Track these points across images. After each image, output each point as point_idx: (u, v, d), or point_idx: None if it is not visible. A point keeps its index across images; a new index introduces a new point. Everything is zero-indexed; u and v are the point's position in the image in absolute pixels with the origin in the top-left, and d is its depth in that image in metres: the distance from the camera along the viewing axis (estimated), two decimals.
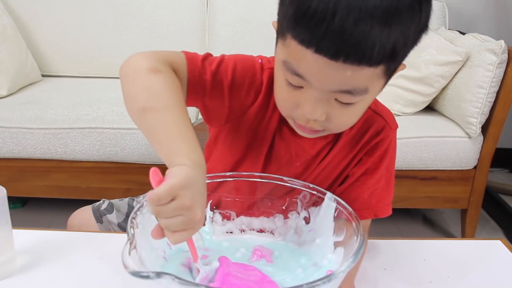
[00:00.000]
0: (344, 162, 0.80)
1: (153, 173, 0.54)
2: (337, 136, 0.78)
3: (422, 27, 0.60)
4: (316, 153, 0.79)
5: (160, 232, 0.55)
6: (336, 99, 0.63)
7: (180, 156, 0.56)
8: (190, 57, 0.72)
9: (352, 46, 0.55)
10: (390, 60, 0.59)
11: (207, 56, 0.74)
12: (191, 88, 0.72)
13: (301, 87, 0.63)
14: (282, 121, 0.77)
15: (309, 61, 0.58)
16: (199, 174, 0.56)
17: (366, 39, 0.54)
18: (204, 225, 0.72)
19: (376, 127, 0.79)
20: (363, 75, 0.58)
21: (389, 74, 0.63)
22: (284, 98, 0.68)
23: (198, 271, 0.61)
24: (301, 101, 0.64)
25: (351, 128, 0.76)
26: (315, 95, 0.62)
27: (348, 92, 0.61)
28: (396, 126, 0.81)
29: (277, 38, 0.66)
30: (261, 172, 0.79)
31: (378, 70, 0.59)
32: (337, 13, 0.53)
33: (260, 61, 0.76)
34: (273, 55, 0.71)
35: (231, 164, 0.82)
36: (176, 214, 0.53)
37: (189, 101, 0.74)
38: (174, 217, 0.53)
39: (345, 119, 0.67)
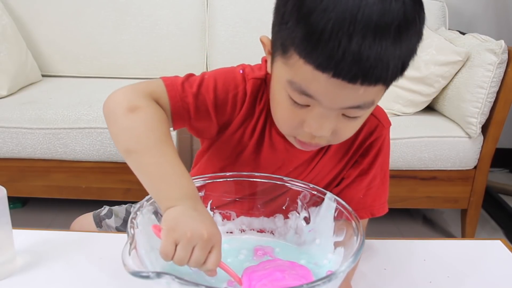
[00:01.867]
0: (340, 165, 0.80)
1: (154, 229, 0.58)
2: None
3: (420, 37, 0.60)
4: (308, 158, 0.79)
5: (209, 273, 0.58)
6: (343, 114, 0.63)
7: (164, 201, 0.59)
8: (170, 83, 0.71)
9: (369, 69, 0.55)
10: (400, 75, 0.60)
11: (187, 78, 0.73)
12: (175, 113, 0.72)
13: (307, 106, 0.62)
14: (270, 129, 0.76)
15: (323, 83, 0.57)
16: (184, 205, 0.58)
17: (382, 61, 0.55)
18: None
19: (369, 127, 0.78)
20: (374, 91, 0.59)
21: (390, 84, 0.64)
22: (288, 118, 0.66)
23: None
24: (307, 119, 0.63)
25: None
26: (323, 113, 0.61)
27: (357, 107, 0.61)
28: (389, 124, 0.81)
29: (273, 55, 0.65)
30: None
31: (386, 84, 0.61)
32: (353, 37, 0.53)
33: (241, 71, 0.75)
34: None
35: (215, 170, 0.81)
36: (190, 250, 0.55)
37: (176, 125, 0.74)
38: (191, 253, 0.55)
39: (349, 131, 0.68)
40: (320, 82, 0.57)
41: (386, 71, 0.56)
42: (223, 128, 0.77)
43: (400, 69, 0.58)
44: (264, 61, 0.75)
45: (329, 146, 0.79)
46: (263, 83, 0.75)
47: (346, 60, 0.54)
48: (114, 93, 0.68)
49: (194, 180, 0.70)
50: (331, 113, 0.62)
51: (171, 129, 0.73)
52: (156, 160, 0.62)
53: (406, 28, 0.56)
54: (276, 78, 0.65)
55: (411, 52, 0.59)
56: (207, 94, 0.72)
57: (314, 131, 0.63)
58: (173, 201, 0.59)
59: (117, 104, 0.66)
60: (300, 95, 0.61)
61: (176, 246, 0.55)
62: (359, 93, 0.58)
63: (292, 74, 0.60)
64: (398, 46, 0.55)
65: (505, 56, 1.73)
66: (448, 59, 1.85)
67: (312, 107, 0.62)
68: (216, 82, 0.73)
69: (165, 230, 0.55)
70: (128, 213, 1.06)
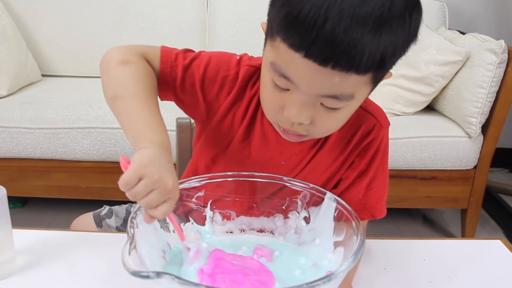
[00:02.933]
0: (336, 164, 0.80)
1: (122, 160, 0.58)
2: (326, 136, 0.78)
3: (411, 37, 0.60)
4: (300, 151, 0.79)
5: (148, 216, 0.58)
6: (321, 104, 0.63)
7: (142, 141, 0.60)
8: (165, 51, 0.75)
9: (341, 53, 0.55)
10: (378, 68, 0.59)
11: (185, 51, 0.76)
12: (162, 80, 0.74)
13: (288, 90, 0.63)
14: (261, 118, 0.77)
15: (298, 64, 0.58)
16: (160, 151, 0.59)
17: (355, 47, 0.54)
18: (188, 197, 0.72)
19: (366, 126, 0.78)
20: (351, 81, 0.59)
21: (376, 81, 0.63)
22: (269, 101, 0.68)
23: (188, 249, 0.61)
24: (286, 104, 0.64)
25: (341, 127, 0.76)
26: (301, 98, 0.62)
27: (334, 97, 0.61)
28: (388, 124, 0.80)
29: (266, 39, 0.66)
30: (240, 169, 0.79)
31: (366, 78, 0.60)
32: (328, 19, 0.53)
33: (238, 57, 0.77)
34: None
35: (207, 159, 0.82)
36: (149, 190, 0.55)
37: (162, 94, 0.76)
38: (149, 193, 0.55)
39: (330, 124, 0.67)
40: (295, 63, 0.58)
41: (360, 59, 0.55)
42: (212, 111, 0.78)
43: (377, 62, 0.57)
44: None
45: (323, 143, 0.78)
46: (257, 71, 0.76)
47: (318, 41, 0.54)
48: (111, 49, 0.72)
49: (193, 180, 0.70)
50: (309, 99, 0.62)
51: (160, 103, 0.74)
52: (140, 106, 0.65)
53: (389, 22, 0.55)
54: (264, 61, 0.67)
55: (394, 47, 0.58)
56: (197, 69, 0.74)
57: (292, 117, 0.64)
58: (151, 143, 0.59)
59: (111, 58, 0.71)
60: (280, 78, 0.62)
61: (139, 182, 0.55)
62: (335, 80, 0.58)
63: (275, 56, 0.61)
64: (377, 37, 0.55)
65: (505, 56, 1.73)
66: (448, 59, 1.85)
67: (292, 92, 0.63)
68: (210, 60, 0.75)
69: (136, 163, 0.55)
70: (128, 212, 1.06)
